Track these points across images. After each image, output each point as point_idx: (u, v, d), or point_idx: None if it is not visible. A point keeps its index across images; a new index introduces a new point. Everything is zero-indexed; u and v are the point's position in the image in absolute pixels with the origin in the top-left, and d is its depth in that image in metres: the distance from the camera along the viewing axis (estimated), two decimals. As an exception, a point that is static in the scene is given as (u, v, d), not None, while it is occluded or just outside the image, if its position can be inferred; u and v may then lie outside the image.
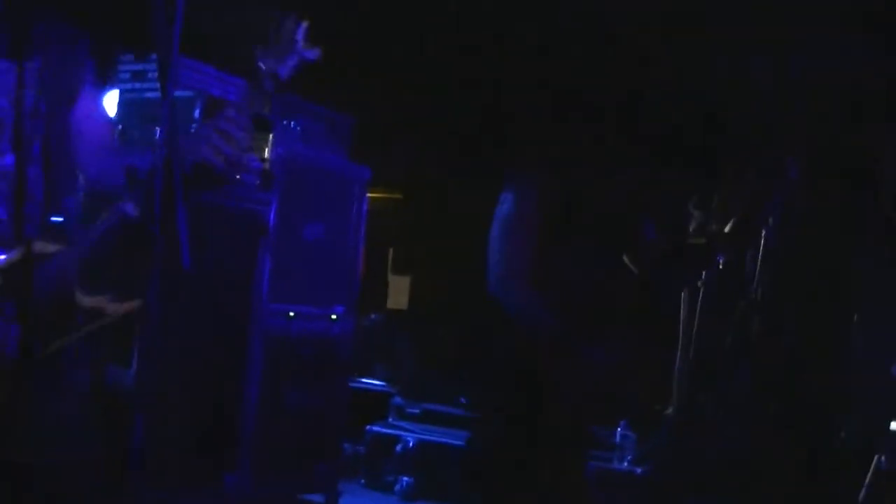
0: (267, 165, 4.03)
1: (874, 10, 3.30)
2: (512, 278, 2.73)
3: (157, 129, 3.61)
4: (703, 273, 3.34)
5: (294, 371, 4.27)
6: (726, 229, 3.29)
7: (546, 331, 2.79)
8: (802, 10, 3.43)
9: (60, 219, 1.98)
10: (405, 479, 4.84)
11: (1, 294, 1.85)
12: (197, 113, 3.92)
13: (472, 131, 4.37)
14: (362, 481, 4.99)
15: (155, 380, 2.03)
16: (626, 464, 4.35)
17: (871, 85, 3.31)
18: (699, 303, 3.40)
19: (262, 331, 4.09)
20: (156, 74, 3.80)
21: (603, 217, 3.09)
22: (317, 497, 4.43)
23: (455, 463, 4.50)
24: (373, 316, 5.94)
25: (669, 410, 3.69)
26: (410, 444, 4.89)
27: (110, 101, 4.13)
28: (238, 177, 3.79)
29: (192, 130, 3.62)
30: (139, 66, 4.12)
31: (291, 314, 4.23)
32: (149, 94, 4.03)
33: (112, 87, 4.14)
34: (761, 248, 3.32)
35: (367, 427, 5.04)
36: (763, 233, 3.31)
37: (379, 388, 5.52)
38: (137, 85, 4.09)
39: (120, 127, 4.05)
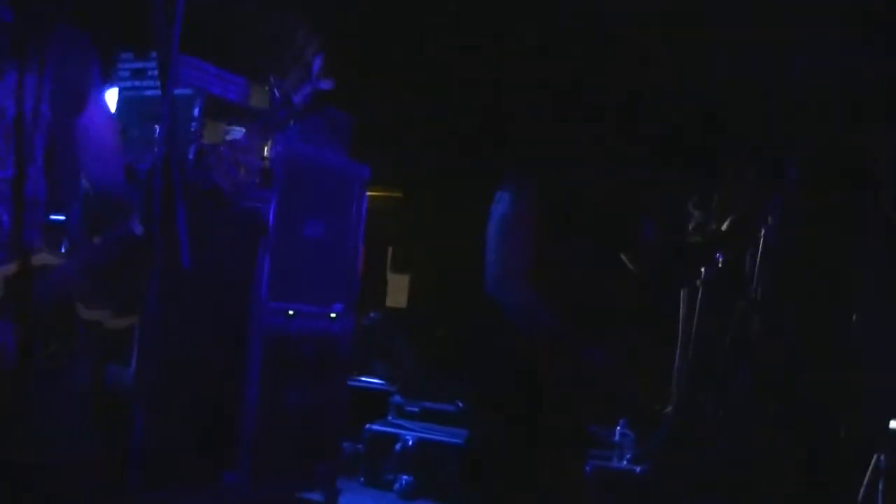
0: (266, 164, 4.02)
1: (874, 10, 3.29)
2: (509, 278, 2.72)
3: (157, 127, 3.61)
4: (703, 272, 3.33)
5: (293, 370, 4.26)
6: (724, 227, 3.28)
7: (545, 331, 2.77)
8: (802, 10, 3.42)
9: (62, 217, 1.97)
10: (404, 477, 4.83)
11: (5, 301, 1.85)
12: (196, 111, 3.92)
13: (472, 131, 4.36)
14: (361, 480, 4.98)
15: (154, 379, 2.02)
16: (625, 462, 4.34)
17: (871, 85, 3.30)
18: (699, 302, 3.39)
19: (262, 329, 4.08)
20: (155, 72, 3.78)
21: (602, 217, 3.07)
22: (316, 496, 4.42)
23: (454, 462, 4.48)
24: (372, 314, 5.93)
25: (669, 410, 3.69)
26: (410, 443, 4.88)
27: (110, 100, 4.12)
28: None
29: (204, 148, 3.63)
30: (139, 64, 4.12)
31: (291, 312, 4.22)
32: (148, 93, 4.03)
33: (112, 84, 4.14)
34: (761, 247, 3.31)
35: (367, 426, 5.03)
36: (763, 233, 3.30)
37: (378, 386, 5.51)
38: (137, 83, 4.10)
39: (120, 124, 4.05)
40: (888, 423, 3.15)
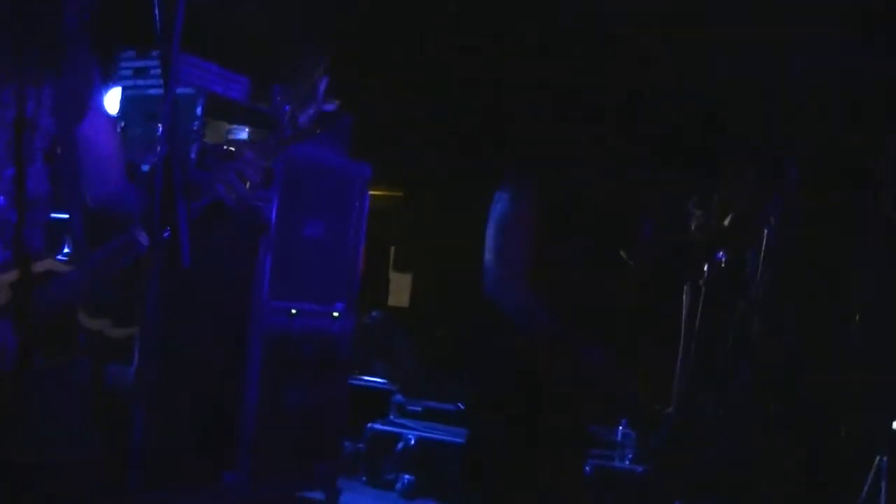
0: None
1: (874, 10, 3.28)
2: (509, 279, 2.71)
3: (159, 126, 3.60)
4: (705, 272, 3.32)
5: (294, 369, 4.25)
6: (725, 222, 3.27)
7: (544, 331, 2.76)
8: (802, 10, 3.41)
9: (65, 216, 1.97)
10: (406, 476, 4.82)
11: (8, 304, 1.85)
12: (199, 110, 3.92)
13: (473, 131, 4.36)
14: (363, 479, 4.96)
15: (154, 378, 2.01)
16: (626, 462, 4.34)
17: (871, 85, 3.29)
18: (700, 302, 3.38)
19: (262, 328, 4.08)
20: (157, 71, 3.78)
21: (602, 217, 3.07)
22: (317, 495, 4.41)
23: (456, 461, 4.48)
24: (374, 313, 5.93)
25: (670, 410, 3.68)
26: (411, 442, 4.87)
27: (112, 99, 4.12)
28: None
29: (210, 165, 3.64)
30: (141, 63, 4.11)
31: (293, 311, 4.22)
32: (150, 91, 4.02)
33: (114, 84, 4.13)
34: (761, 248, 3.30)
35: (368, 425, 5.02)
36: (763, 233, 3.29)
37: (380, 385, 5.50)
38: (139, 82, 4.09)
39: (122, 124, 4.04)
40: (890, 424, 3.14)
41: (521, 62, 3.84)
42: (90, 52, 1.99)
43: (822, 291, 3.26)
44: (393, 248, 6.74)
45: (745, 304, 3.31)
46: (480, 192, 3.01)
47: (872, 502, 3.11)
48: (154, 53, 3.85)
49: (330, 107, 1.98)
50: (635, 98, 3.34)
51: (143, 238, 1.86)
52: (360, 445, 5.00)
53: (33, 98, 1.89)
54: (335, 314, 4.44)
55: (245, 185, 1.92)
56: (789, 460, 3.19)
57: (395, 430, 4.98)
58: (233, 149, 3.76)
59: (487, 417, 3.04)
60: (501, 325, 2.88)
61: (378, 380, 5.56)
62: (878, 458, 3.10)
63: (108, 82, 4.13)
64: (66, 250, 2.01)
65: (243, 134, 4.08)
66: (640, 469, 4.19)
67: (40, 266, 1.88)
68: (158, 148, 1.72)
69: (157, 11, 1.69)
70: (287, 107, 1.95)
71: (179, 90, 3.36)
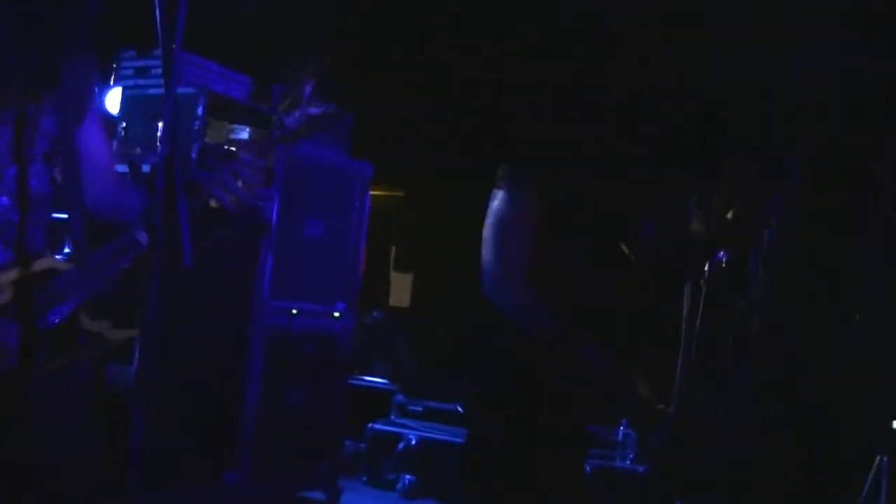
0: (269, 164, 4.03)
1: (874, 10, 3.29)
2: (507, 279, 2.71)
3: (160, 125, 3.61)
4: (705, 272, 3.33)
5: (294, 369, 4.26)
6: (726, 222, 3.27)
7: (543, 332, 2.77)
8: (802, 10, 3.41)
9: (65, 216, 1.98)
10: (407, 477, 4.83)
11: (9, 303, 1.86)
12: (200, 110, 3.92)
13: (473, 131, 4.36)
14: (364, 479, 4.97)
15: (155, 379, 2.02)
16: (627, 462, 4.34)
17: (871, 85, 3.29)
18: (700, 302, 3.39)
19: (263, 328, 4.09)
20: (158, 71, 3.79)
21: (602, 217, 3.07)
22: (318, 495, 4.42)
23: (457, 461, 4.48)
24: (374, 313, 5.94)
25: (670, 409, 3.68)
26: (412, 442, 4.88)
27: (113, 99, 4.12)
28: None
29: (209, 165, 3.65)
30: (141, 63, 4.12)
31: (294, 311, 4.23)
32: (151, 91, 4.03)
33: (115, 83, 4.14)
34: (761, 248, 3.30)
35: (369, 425, 5.03)
36: (763, 233, 3.30)
37: (381, 385, 5.51)
38: (140, 81, 4.10)
39: (123, 124, 4.05)
40: (890, 424, 3.15)
41: (521, 62, 3.85)
42: (91, 53, 2.01)
43: (822, 291, 3.26)
44: (394, 248, 6.75)
45: (745, 304, 3.31)
46: (481, 191, 3.01)
47: (872, 502, 3.12)
48: (155, 53, 3.86)
49: (315, 110, 2.04)
50: (635, 98, 3.34)
51: (143, 238, 1.88)
52: (361, 445, 5.01)
53: (34, 98, 1.91)
54: (336, 314, 4.45)
55: (241, 186, 1.94)
56: (789, 460, 3.20)
57: (395, 430, 4.99)
58: (233, 149, 3.78)
59: (487, 417, 3.05)
60: (501, 325, 2.88)
61: (379, 380, 5.57)
62: (878, 458, 3.11)
63: (108, 82, 4.14)
64: (66, 250, 2.02)
65: (244, 134, 4.09)
66: (640, 469, 4.20)
67: (41, 265, 1.89)
68: (159, 148, 1.74)
69: (157, 11, 1.70)
70: (273, 111, 2.01)
71: (180, 90, 3.37)
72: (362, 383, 5.46)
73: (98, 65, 2.05)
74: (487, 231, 2.71)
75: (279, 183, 4.10)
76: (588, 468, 4.17)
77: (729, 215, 3.33)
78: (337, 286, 4.53)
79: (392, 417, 5.15)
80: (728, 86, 3.48)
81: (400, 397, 5.20)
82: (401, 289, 6.61)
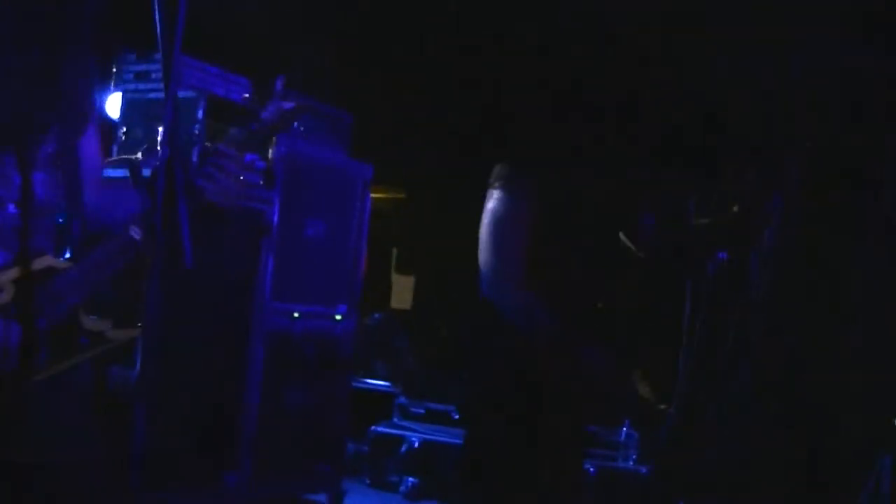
0: (270, 164, 4.06)
1: (874, 10, 3.31)
2: (506, 280, 2.74)
3: (160, 129, 3.64)
4: (705, 272, 3.36)
5: (295, 370, 4.28)
6: (726, 222, 3.31)
7: (542, 332, 2.80)
8: (802, 10, 3.44)
9: (64, 220, 2.02)
10: (410, 479, 4.86)
11: (10, 302, 1.89)
12: (200, 113, 3.95)
13: (473, 131, 4.39)
14: (367, 481, 5.01)
15: (156, 379, 2.05)
16: (630, 463, 4.37)
17: (871, 85, 3.32)
18: (700, 302, 3.42)
19: (264, 330, 4.11)
20: (159, 75, 3.83)
21: (602, 217, 3.10)
22: (320, 497, 4.45)
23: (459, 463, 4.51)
24: (376, 315, 5.97)
25: (671, 409, 3.71)
26: (415, 444, 4.91)
27: (113, 103, 4.15)
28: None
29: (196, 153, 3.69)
30: (142, 67, 4.14)
31: (296, 314, 4.25)
32: (152, 95, 4.06)
33: (115, 88, 4.17)
34: (761, 248, 3.33)
35: (371, 427, 5.06)
36: (763, 233, 3.33)
37: (383, 388, 5.54)
38: (141, 86, 4.12)
39: (124, 128, 4.07)
40: (891, 423, 3.17)
41: (521, 62, 3.88)
42: (92, 57, 2.05)
43: (822, 291, 3.29)
44: (395, 250, 6.77)
45: (745, 304, 3.35)
46: (482, 192, 3.05)
47: (872, 502, 3.15)
48: (155, 57, 3.89)
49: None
50: (635, 98, 3.38)
51: (137, 234, 1.92)
52: (364, 448, 5.04)
53: (38, 105, 1.94)
54: (337, 317, 4.48)
55: (224, 176, 1.99)
56: (789, 460, 3.23)
57: (398, 432, 5.03)
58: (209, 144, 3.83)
59: (487, 417, 3.08)
60: (501, 326, 2.92)
61: (381, 382, 5.61)
62: (878, 457, 3.14)
63: (109, 86, 4.18)
64: (66, 255, 2.05)
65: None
66: (643, 469, 4.22)
67: (40, 263, 1.93)
68: (160, 151, 1.76)
69: (157, 14, 1.73)
70: (253, 107, 2.07)
71: (181, 93, 3.40)
72: (364, 385, 5.50)
73: (99, 69, 2.09)
74: (484, 232, 2.74)
75: (280, 184, 4.12)
76: (591, 469, 4.21)
77: (729, 215, 3.37)
78: (338, 288, 4.55)
79: (394, 419, 5.18)
80: (728, 86, 3.51)
81: (402, 399, 5.23)
82: (402, 290, 6.64)
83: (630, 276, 3.21)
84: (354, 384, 4.98)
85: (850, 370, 3.20)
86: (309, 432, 4.34)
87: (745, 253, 3.38)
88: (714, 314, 3.42)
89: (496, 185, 2.79)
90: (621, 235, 3.14)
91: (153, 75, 4.06)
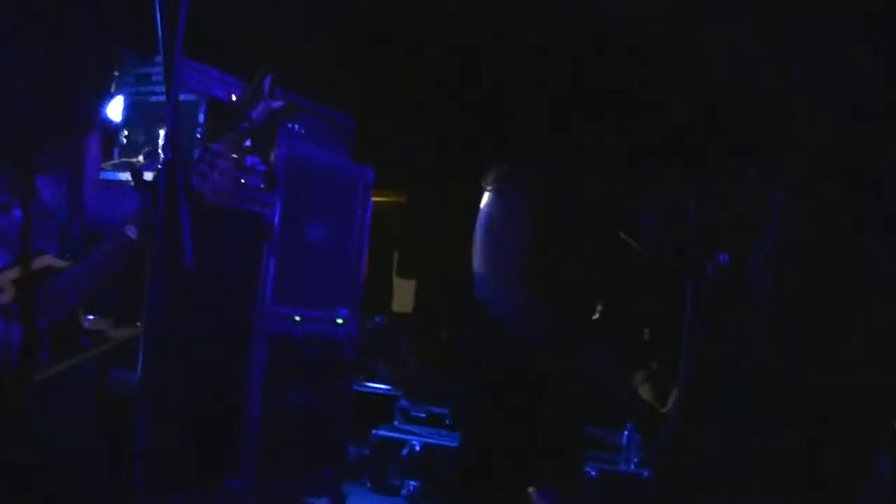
0: (271, 167, 4.12)
1: (874, 10, 3.36)
2: (500, 283, 2.79)
3: (162, 132, 3.71)
4: (705, 272, 3.41)
5: (297, 374, 4.34)
6: (725, 226, 3.36)
7: (536, 335, 2.85)
8: (802, 10, 3.49)
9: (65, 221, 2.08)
10: (411, 483, 4.92)
11: (13, 303, 1.95)
12: (201, 116, 4.02)
13: (474, 134, 4.43)
14: (368, 485, 5.06)
15: (157, 382, 2.12)
16: (632, 466, 4.42)
17: (871, 85, 3.37)
18: (700, 302, 3.47)
19: (265, 333, 4.17)
20: (160, 78, 3.92)
21: (602, 217, 3.16)
22: (322, 500, 4.51)
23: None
24: (377, 319, 6.03)
25: (671, 410, 3.76)
26: (417, 448, 4.97)
27: (115, 107, 4.22)
28: (242, 180, 3.90)
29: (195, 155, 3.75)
30: (143, 70, 4.20)
31: (297, 319, 4.31)
32: (153, 98, 4.12)
33: (117, 91, 4.24)
34: (762, 247, 3.39)
35: (373, 431, 5.12)
36: (763, 233, 3.39)
37: (384, 391, 5.61)
38: (142, 88, 4.18)
39: (125, 132, 4.14)
40: (891, 423, 3.22)
41: (522, 62, 3.93)
42: (95, 62, 2.12)
43: (822, 291, 3.34)
44: (396, 253, 6.83)
45: (745, 304, 3.40)
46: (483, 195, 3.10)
47: (873, 502, 3.20)
48: (156, 60, 3.96)
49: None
50: (635, 98, 3.43)
51: (132, 233, 1.99)
52: (365, 451, 5.11)
53: (43, 107, 2.01)
54: (339, 321, 4.54)
55: (217, 175, 2.07)
56: (789, 460, 3.28)
57: (400, 436, 5.09)
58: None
59: (486, 417, 3.15)
60: (501, 327, 2.97)
61: (382, 386, 5.67)
62: (878, 457, 3.19)
63: (110, 90, 4.24)
64: (67, 256, 2.11)
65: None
66: (645, 473, 4.28)
67: (40, 263, 1.99)
68: (161, 154, 1.83)
69: (158, 17, 1.80)
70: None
71: (182, 97, 3.47)
72: (366, 389, 5.56)
73: (100, 72, 2.16)
74: (478, 235, 2.79)
75: (281, 187, 4.18)
76: (593, 472, 4.26)
77: (729, 215, 3.43)
78: (339, 291, 4.61)
79: (396, 423, 5.24)
80: (728, 86, 3.56)
81: (404, 403, 5.29)
82: (403, 294, 6.70)
83: (630, 276, 3.26)
84: (356, 388, 5.04)
85: (850, 370, 3.24)
86: (310, 436, 4.40)
87: (746, 253, 3.43)
88: (714, 314, 3.48)
89: (488, 187, 2.85)
90: (621, 234, 3.20)
91: (154, 78, 4.13)
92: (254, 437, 4.12)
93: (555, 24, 3.76)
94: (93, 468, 2.12)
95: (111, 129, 4.05)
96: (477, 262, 2.81)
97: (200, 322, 3.89)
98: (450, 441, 4.92)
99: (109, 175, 3.73)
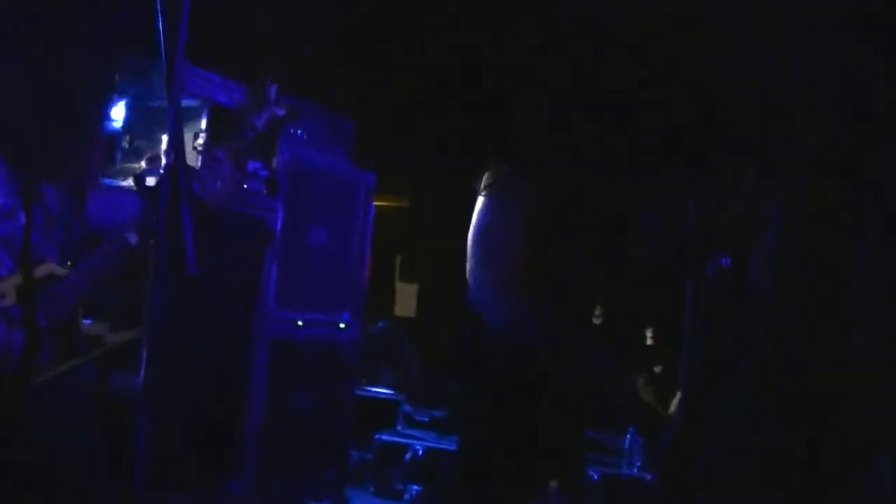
0: (273, 173, 4.19)
1: (874, 10, 3.42)
2: (494, 288, 2.86)
3: (164, 137, 3.79)
4: (705, 272, 3.48)
5: (299, 377, 4.40)
6: (725, 227, 3.42)
7: (529, 339, 2.91)
8: (802, 10, 3.55)
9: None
10: (414, 487, 4.97)
11: (15, 307, 2.02)
12: (203, 122, 4.09)
13: (475, 139, 4.49)
14: (371, 489, 5.12)
15: (160, 384, 2.17)
16: (635, 470, 4.47)
17: (871, 85, 3.42)
18: (701, 302, 3.53)
19: (267, 337, 4.23)
20: (162, 83, 3.99)
21: (602, 216, 3.23)
22: (324, 503, 4.57)
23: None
24: (380, 323, 6.09)
25: (675, 411, 3.82)
26: (419, 453, 5.03)
27: (117, 112, 4.29)
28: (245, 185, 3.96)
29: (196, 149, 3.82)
30: (145, 76, 4.28)
31: (300, 323, 4.37)
32: (155, 104, 4.20)
33: (119, 97, 4.31)
34: (762, 247, 3.45)
35: (376, 435, 5.18)
36: (763, 233, 3.45)
37: (387, 396, 5.67)
38: (144, 94, 4.26)
39: (127, 137, 4.22)
40: (891, 424, 3.28)
41: (521, 62, 4.00)
42: (97, 68, 2.20)
43: (822, 291, 3.39)
44: (398, 258, 6.90)
45: (745, 304, 3.46)
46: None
47: (872, 502, 3.26)
48: (158, 65, 4.02)
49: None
50: (635, 98, 3.50)
51: (133, 238, 2.06)
52: (368, 456, 5.17)
53: (45, 114, 2.10)
54: (341, 325, 4.61)
55: (217, 182, 2.14)
56: (789, 460, 3.33)
57: (402, 440, 5.15)
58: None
59: (487, 417, 3.22)
60: (494, 332, 3.04)
61: (385, 390, 5.74)
62: (878, 457, 3.24)
63: (112, 95, 4.32)
64: (68, 262, 2.18)
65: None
66: (648, 477, 4.33)
67: (42, 271, 2.08)
68: (164, 160, 1.91)
69: (160, 24, 1.88)
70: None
71: (184, 102, 3.54)
72: (369, 394, 5.63)
73: (103, 78, 2.24)
74: (471, 241, 2.86)
75: (283, 192, 4.24)
76: (596, 476, 4.31)
77: (729, 215, 3.49)
78: (342, 295, 4.67)
79: (399, 428, 5.30)
80: (728, 86, 3.63)
81: (407, 407, 5.35)
82: (406, 298, 6.76)
83: (630, 276, 3.33)
84: (359, 392, 5.09)
85: (850, 370, 3.30)
86: (312, 439, 4.45)
87: (746, 253, 3.50)
88: (714, 314, 3.55)
89: (482, 192, 2.91)
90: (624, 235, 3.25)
91: (156, 84, 4.20)
92: (255, 439, 4.18)
93: (555, 24, 3.82)
94: (93, 469, 2.18)
95: (113, 135, 4.11)
96: (470, 268, 2.88)
97: (203, 326, 3.93)
98: (453, 446, 4.96)
99: (111, 180, 3.80)
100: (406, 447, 5.08)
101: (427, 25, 4.46)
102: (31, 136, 2.11)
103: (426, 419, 5.25)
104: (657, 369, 3.98)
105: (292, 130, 4.32)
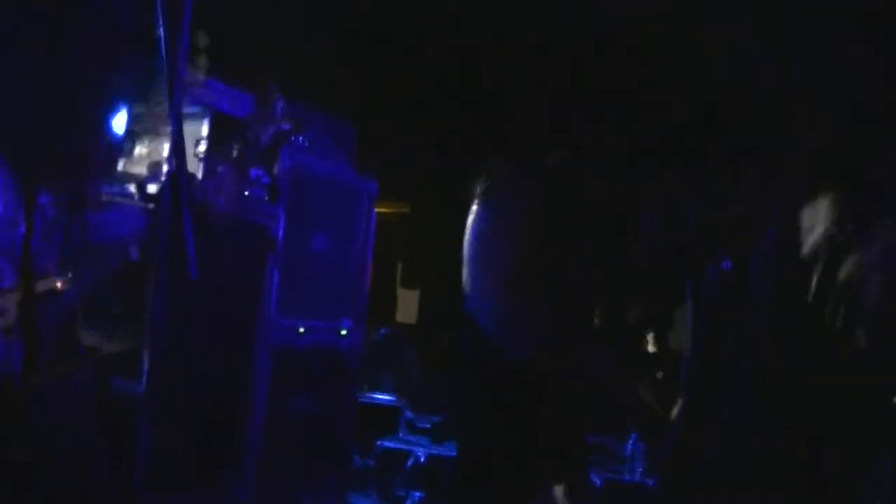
0: (275, 179, 4.27)
1: (874, 10, 3.49)
2: (489, 294, 2.91)
3: (166, 144, 3.86)
4: (705, 272, 3.54)
5: (301, 383, 4.47)
6: (725, 227, 3.48)
7: (525, 345, 2.96)
8: (802, 10, 3.62)
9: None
10: (416, 493, 5.04)
11: (16, 321, 2.10)
12: (205, 130, 4.17)
13: (475, 143, 4.55)
14: (373, 496, 5.19)
15: (162, 391, 2.22)
16: (637, 475, 4.53)
17: (871, 85, 3.49)
18: (701, 302, 3.60)
19: (269, 344, 4.30)
20: (164, 90, 4.08)
21: (602, 216, 3.29)
22: (325, 507, 4.63)
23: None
24: (381, 330, 6.16)
25: (675, 414, 3.87)
26: (421, 459, 5.09)
27: (119, 118, 4.38)
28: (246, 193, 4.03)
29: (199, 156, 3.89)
30: (147, 83, 4.36)
31: (302, 330, 4.45)
32: (157, 110, 4.28)
33: (121, 104, 4.40)
34: (762, 248, 3.52)
35: (378, 441, 5.25)
36: (764, 233, 3.51)
37: (389, 402, 5.74)
38: (146, 101, 4.33)
39: (129, 144, 4.30)
40: (891, 424, 3.33)
41: (521, 62, 4.07)
42: (99, 75, 2.27)
43: (823, 291, 3.45)
44: (400, 264, 6.96)
45: (745, 305, 3.52)
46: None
47: (872, 502, 3.31)
48: (160, 72, 4.09)
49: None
50: (635, 98, 3.58)
51: (134, 251, 2.14)
52: (370, 462, 5.23)
53: (47, 122, 2.17)
54: (343, 331, 4.67)
55: (221, 198, 2.21)
56: (789, 460, 3.38)
57: (404, 446, 5.22)
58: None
59: (487, 418, 3.28)
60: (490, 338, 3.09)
61: (387, 397, 5.81)
62: (878, 458, 3.30)
63: (115, 103, 4.40)
64: (69, 274, 2.26)
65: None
66: (650, 482, 4.38)
67: (43, 285, 2.15)
68: (166, 167, 1.98)
69: (162, 31, 1.95)
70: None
71: (186, 109, 3.60)
72: (370, 400, 5.69)
73: (105, 85, 2.31)
74: (467, 248, 2.92)
75: (285, 199, 4.31)
76: (598, 482, 4.37)
77: (729, 215, 3.55)
78: (343, 302, 4.73)
79: (400, 434, 5.37)
80: (728, 86, 3.69)
81: (408, 414, 5.42)
82: (407, 305, 6.82)
83: (630, 276, 3.39)
84: (361, 399, 5.17)
85: (850, 370, 3.35)
86: (313, 444, 4.51)
87: (746, 253, 3.56)
88: (714, 314, 3.60)
89: (477, 200, 2.98)
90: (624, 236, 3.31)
91: (158, 90, 4.28)
92: (257, 445, 4.24)
93: (555, 24, 3.90)
94: (91, 467, 2.25)
95: (115, 140, 4.18)
96: (466, 273, 2.94)
97: (204, 332, 3.97)
98: (454, 451, 5.03)
99: (113, 188, 3.87)
100: (408, 453, 5.13)
101: (427, 25, 4.53)
102: (31, 136, 2.17)
103: (428, 425, 5.31)
104: (659, 375, 4.04)
105: (294, 137, 4.39)
